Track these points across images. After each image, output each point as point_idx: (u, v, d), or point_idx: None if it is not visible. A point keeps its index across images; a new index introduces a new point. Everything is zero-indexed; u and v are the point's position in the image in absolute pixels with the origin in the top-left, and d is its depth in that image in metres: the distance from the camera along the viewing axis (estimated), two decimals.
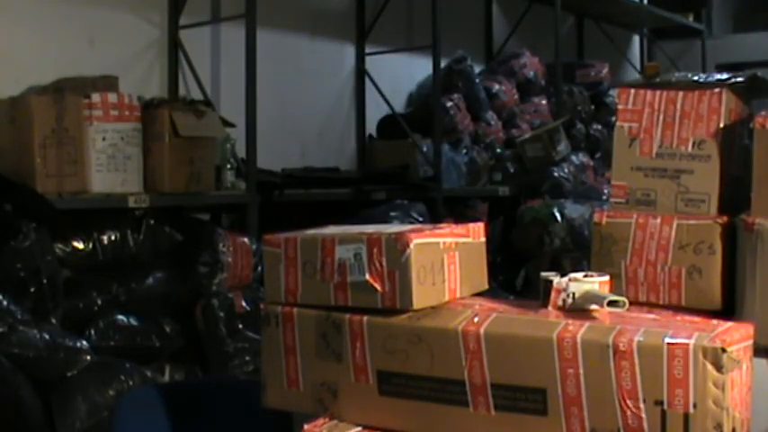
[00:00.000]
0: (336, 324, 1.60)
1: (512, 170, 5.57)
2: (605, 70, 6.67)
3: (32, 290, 2.98)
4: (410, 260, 1.53)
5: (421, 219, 4.40)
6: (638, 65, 7.98)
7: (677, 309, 1.90)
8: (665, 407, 1.35)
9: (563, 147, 5.60)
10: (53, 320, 3.02)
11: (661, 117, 2.03)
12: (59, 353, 2.93)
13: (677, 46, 8.25)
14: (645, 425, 1.36)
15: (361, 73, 5.26)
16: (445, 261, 1.61)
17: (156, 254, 3.53)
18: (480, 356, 1.47)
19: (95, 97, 3.33)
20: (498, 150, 5.58)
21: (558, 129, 5.62)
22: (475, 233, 1.71)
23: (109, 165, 3.35)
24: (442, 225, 1.77)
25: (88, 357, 3.01)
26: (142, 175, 3.47)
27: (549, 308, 1.54)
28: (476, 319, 1.50)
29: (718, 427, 1.33)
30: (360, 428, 1.60)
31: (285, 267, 1.66)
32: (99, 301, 3.25)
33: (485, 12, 6.42)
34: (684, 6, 8.16)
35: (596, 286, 1.57)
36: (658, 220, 2.00)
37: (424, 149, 5.01)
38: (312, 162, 4.78)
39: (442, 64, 5.19)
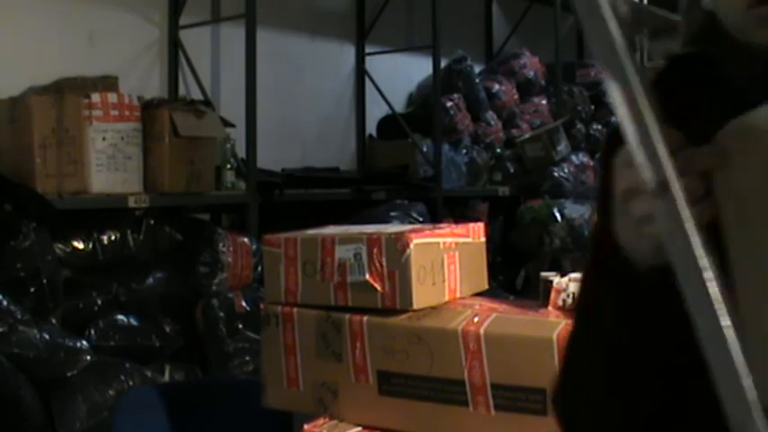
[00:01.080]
0: (336, 324, 1.60)
1: (512, 170, 5.57)
2: None
3: (32, 290, 2.98)
4: (410, 260, 1.53)
5: (421, 219, 4.39)
6: None
7: None
8: None
9: (563, 147, 5.61)
10: (53, 320, 3.02)
11: None
12: (59, 353, 2.93)
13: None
14: None
15: (361, 73, 5.26)
16: (445, 261, 1.61)
17: (156, 254, 3.53)
18: (480, 356, 1.47)
19: (95, 97, 3.33)
20: (498, 150, 5.58)
21: (558, 129, 5.62)
22: (475, 233, 1.71)
23: (109, 165, 3.35)
24: (441, 225, 1.78)
25: (88, 357, 3.01)
26: (142, 175, 3.47)
27: (549, 308, 1.54)
28: (476, 319, 1.50)
29: None
30: (360, 428, 1.60)
31: (285, 267, 1.66)
32: (99, 301, 3.25)
33: (485, 12, 6.42)
34: None
35: None
36: None
37: (424, 149, 5.01)
38: (312, 162, 4.78)
39: (442, 64, 5.20)
